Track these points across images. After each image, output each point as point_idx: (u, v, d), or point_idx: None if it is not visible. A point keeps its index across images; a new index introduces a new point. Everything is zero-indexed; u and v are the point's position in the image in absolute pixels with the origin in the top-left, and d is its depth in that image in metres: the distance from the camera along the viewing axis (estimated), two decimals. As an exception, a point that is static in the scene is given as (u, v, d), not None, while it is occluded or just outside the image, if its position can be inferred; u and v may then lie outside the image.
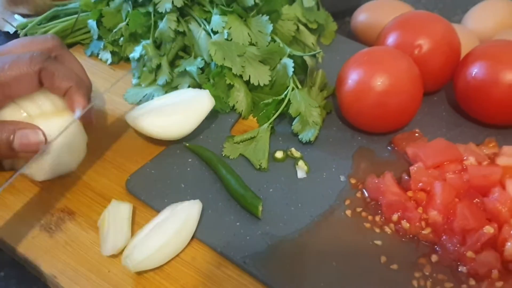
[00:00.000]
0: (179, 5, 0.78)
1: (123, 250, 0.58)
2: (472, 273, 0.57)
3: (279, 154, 0.72)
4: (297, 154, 0.72)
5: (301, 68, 0.78)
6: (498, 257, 0.57)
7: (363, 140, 0.75)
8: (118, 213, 0.61)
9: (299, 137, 0.73)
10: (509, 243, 0.56)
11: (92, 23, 0.87)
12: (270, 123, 0.74)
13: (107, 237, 0.59)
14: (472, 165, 0.63)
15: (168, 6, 0.77)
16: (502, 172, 0.61)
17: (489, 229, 0.57)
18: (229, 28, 0.76)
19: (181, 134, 0.70)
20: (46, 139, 0.60)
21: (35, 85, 0.61)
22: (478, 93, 0.73)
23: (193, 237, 0.61)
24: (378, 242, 0.60)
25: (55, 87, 0.62)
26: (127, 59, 0.87)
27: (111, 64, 0.88)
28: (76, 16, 0.89)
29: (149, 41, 0.80)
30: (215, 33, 0.77)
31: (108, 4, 0.87)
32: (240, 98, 0.77)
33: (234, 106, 0.77)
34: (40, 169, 0.64)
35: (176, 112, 0.70)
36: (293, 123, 0.74)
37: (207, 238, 0.61)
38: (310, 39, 0.88)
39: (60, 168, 0.65)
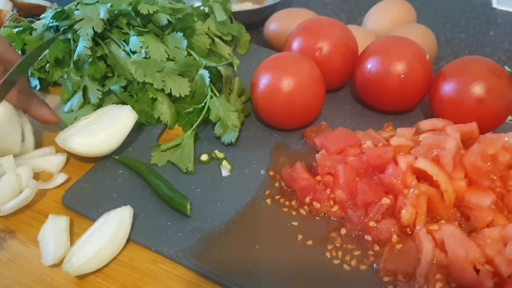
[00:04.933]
0: (99, 31, 0.83)
1: (63, 259, 0.63)
2: (376, 240, 0.66)
3: (204, 157, 0.79)
4: (220, 155, 0.79)
5: (218, 77, 0.86)
6: (395, 223, 0.66)
7: (279, 136, 0.83)
8: (56, 226, 0.66)
9: (222, 139, 0.80)
10: (404, 211, 0.66)
11: (16, 53, 0.91)
12: (193, 130, 0.80)
13: (47, 249, 0.64)
14: (368, 148, 0.72)
15: (89, 31, 0.83)
16: (394, 151, 0.70)
17: (386, 200, 0.66)
18: (147, 47, 0.83)
19: (109, 149, 0.76)
20: None
21: None
22: (374, 84, 0.83)
23: (128, 240, 0.67)
24: (295, 223, 0.68)
25: None
26: (55, 84, 0.92)
27: (40, 90, 0.92)
28: None
29: (71, 66, 0.85)
30: (134, 52, 0.83)
31: (31, 33, 0.91)
32: (164, 110, 0.83)
33: (159, 117, 0.84)
34: None
35: (102, 129, 0.75)
36: (215, 128, 0.81)
37: (141, 239, 0.67)
38: (226, 50, 0.96)
39: None
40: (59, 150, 0.78)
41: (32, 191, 0.70)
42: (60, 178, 0.74)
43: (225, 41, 0.97)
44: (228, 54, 0.96)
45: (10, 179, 0.69)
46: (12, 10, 1.06)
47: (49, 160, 0.75)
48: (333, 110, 0.88)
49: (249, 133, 0.84)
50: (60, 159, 0.76)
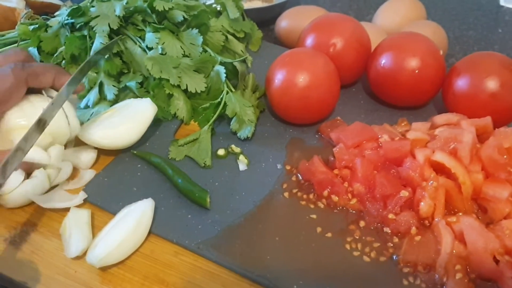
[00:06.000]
0: (115, 27, 0.84)
1: (86, 251, 0.64)
2: (395, 232, 0.66)
3: (221, 152, 0.79)
4: (237, 149, 0.80)
5: (233, 73, 0.87)
6: (414, 215, 0.67)
7: (294, 132, 0.83)
8: (78, 218, 0.67)
9: (238, 134, 0.81)
10: (422, 203, 0.66)
11: (32, 50, 0.91)
12: (210, 125, 0.81)
13: (70, 241, 0.65)
14: (385, 141, 0.73)
15: (105, 28, 0.84)
16: (411, 144, 0.71)
17: (404, 193, 0.67)
18: (163, 43, 0.83)
19: (130, 142, 0.76)
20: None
21: (23, 93, 0.69)
22: (388, 80, 0.84)
23: (149, 233, 0.67)
24: (313, 216, 0.69)
25: (44, 83, 0.72)
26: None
27: (55, 86, 0.93)
28: (15, 45, 0.93)
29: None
30: (150, 49, 0.84)
31: (46, 31, 0.92)
32: (180, 105, 0.84)
33: (175, 113, 0.84)
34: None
35: (123, 122, 0.76)
36: (231, 123, 0.82)
37: (162, 232, 0.67)
38: (239, 47, 0.97)
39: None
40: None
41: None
42: (88, 175, 0.75)
43: (238, 38, 0.98)
44: (241, 50, 0.96)
45: (43, 176, 0.70)
46: (25, 9, 1.06)
47: (79, 157, 0.76)
48: (346, 105, 0.88)
49: (264, 128, 0.84)
50: (91, 156, 0.77)
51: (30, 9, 1.06)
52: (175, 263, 0.64)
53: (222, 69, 0.83)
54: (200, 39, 0.85)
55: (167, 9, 0.85)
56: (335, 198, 0.70)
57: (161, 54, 0.83)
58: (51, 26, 0.92)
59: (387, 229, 0.67)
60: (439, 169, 0.69)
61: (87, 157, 0.76)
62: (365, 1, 1.31)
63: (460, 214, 0.67)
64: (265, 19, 1.16)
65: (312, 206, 0.70)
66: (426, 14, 1.09)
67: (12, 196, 0.69)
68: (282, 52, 0.85)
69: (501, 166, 0.67)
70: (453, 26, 1.20)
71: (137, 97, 0.84)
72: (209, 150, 0.78)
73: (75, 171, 0.76)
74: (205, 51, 0.86)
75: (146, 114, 0.76)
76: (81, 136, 0.76)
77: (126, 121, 0.76)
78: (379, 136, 0.74)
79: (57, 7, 1.12)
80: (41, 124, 0.65)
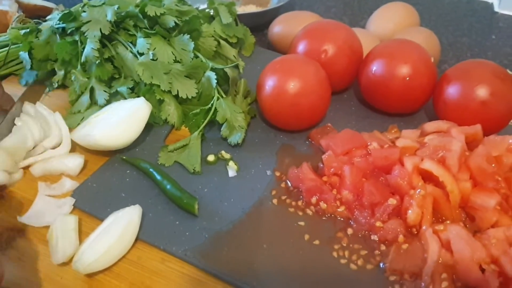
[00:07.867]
0: (106, 33, 0.84)
1: (72, 257, 0.64)
2: (382, 239, 0.66)
3: (211, 158, 0.79)
4: (227, 155, 0.80)
5: (224, 79, 0.86)
6: (402, 223, 0.67)
7: (285, 138, 0.83)
8: (65, 225, 0.67)
9: (228, 140, 0.81)
10: (410, 211, 0.66)
11: (24, 54, 0.92)
12: (200, 131, 0.81)
13: (56, 248, 0.64)
14: (374, 149, 0.73)
15: (97, 33, 0.84)
16: (400, 152, 0.71)
17: (392, 201, 0.67)
18: (154, 49, 0.83)
19: (129, 140, 0.77)
20: None
21: None
22: (379, 87, 0.83)
23: (137, 239, 0.67)
24: (302, 223, 0.69)
25: None
26: (62, 86, 0.92)
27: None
28: (6, 49, 0.93)
29: (79, 68, 0.86)
30: (141, 54, 0.84)
31: (37, 36, 0.92)
32: (171, 111, 0.84)
33: (166, 118, 0.84)
34: None
35: (122, 121, 0.77)
36: (221, 129, 0.81)
37: (150, 238, 0.67)
38: (231, 52, 0.97)
39: None
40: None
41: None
42: (69, 183, 0.75)
43: (230, 43, 0.98)
44: (234, 56, 0.96)
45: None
46: (18, 12, 1.06)
47: (66, 163, 0.76)
48: (337, 112, 0.88)
49: (254, 134, 0.84)
50: (79, 162, 0.76)
51: (22, 12, 1.06)
52: (162, 270, 0.64)
53: (213, 75, 0.83)
54: (192, 45, 0.85)
55: (158, 14, 0.85)
56: (323, 205, 0.70)
57: (152, 59, 0.83)
58: (42, 30, 0.91)
59: (374, 237, 0.67)
60: (428, 177, 0.69)
61: (74, 163, 0.76)
62: (360, 7, 1.31)
63: (448, 222, 0.67)
64: (258, 24, 1.16)
65: (300, 213, 0.70)
66: (420, 19, 1.09)
67: None
68: (274, 57, 0.85)
69: (489, 175, 0.67)
70: (447, 32, 1.20)
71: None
72: (198, 156, 0.78)
73: (57, 178, 0.76)
74: (196, 56, 0.86)
75: (142, 112, 0.77)
76: (77, 139, 0.76)
77: (125, 120, 0.77)
78: (368, 144, 0.74)
79: (50, 10, 1.12)
80: None
